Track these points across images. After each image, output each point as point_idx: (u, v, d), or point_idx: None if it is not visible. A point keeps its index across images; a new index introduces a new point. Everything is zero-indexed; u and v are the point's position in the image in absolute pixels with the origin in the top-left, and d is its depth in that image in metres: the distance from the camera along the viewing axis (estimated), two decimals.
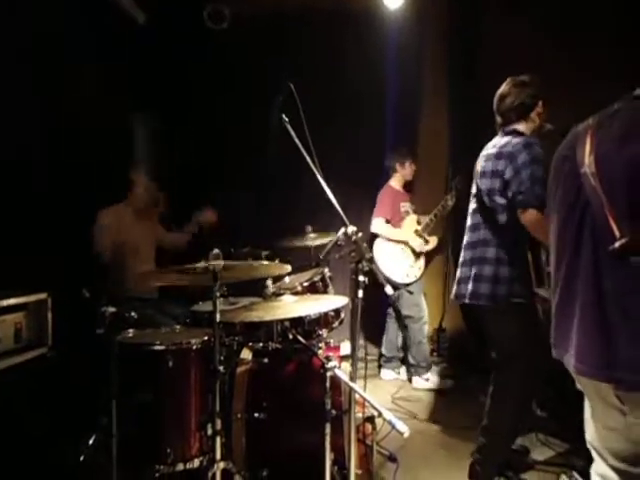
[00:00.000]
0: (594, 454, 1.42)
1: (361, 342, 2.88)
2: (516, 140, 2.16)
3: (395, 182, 3.95)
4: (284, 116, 1.92)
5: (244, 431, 2.07)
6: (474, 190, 2.36)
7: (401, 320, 3.85)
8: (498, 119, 2.31)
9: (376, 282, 1.73)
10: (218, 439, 1.83)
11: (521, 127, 2.24)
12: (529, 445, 2.70)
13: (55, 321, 2.17)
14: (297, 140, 1.89)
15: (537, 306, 2.16)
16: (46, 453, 2.08)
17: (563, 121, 1.61)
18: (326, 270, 2.68)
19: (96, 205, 2.94)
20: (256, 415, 2.06)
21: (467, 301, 2.29)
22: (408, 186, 4.05)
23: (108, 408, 1.78)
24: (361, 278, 1.69)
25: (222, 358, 2.00)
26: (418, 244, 3.80)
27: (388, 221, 3.84)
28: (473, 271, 2.26)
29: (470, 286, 2.26)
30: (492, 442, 2.27)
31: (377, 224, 3.81)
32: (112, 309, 1.78)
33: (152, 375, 1.95)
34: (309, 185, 1.89)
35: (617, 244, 1.19)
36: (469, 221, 2.37)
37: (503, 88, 2.29)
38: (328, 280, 2.67)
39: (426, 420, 3.14)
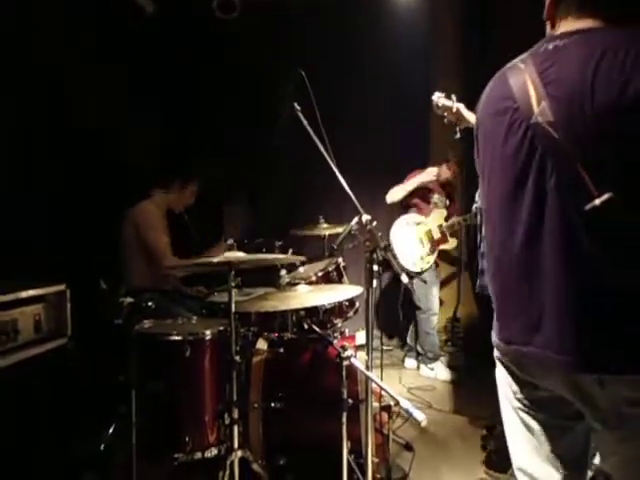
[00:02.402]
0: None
1: (377, 332, 2.87)
2: None
3: (431, 169, 3.84)
4: (296, 104, 1.90)
5: (261, 420, 2.08)
6: None
7: (412, 309, 3.85)
8: None
9: (392, 271, 1.72)
10: (235, 428, 1.84)
11: None
12: None
13: (74, 312, 2.20)
14: (309, 128, 1.87)
15: None
16: (66, 442, 2.12)
17: None
18: (340, 260, 2.67)
19: (114, 196, 2.95)
20: (272, 404, 2.07)
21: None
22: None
23: (127, 397, 1.80)
24: (375, 267, 1.68)
25: (238, 348, 2.01)
26: (432, 173, 3.70)
27: (408, 205, 3.78)
28: None
29: None
30: None
31: (390, 192, 3.75)
32: (130, 300, 1.79)
33: (170, 365, 1.97)
34: (322, 175, 1.87)
35: (597, 201, 0.97)
36: None
37: None
38: (342, 270, 2.66)
39: (442, 409, 3.14)
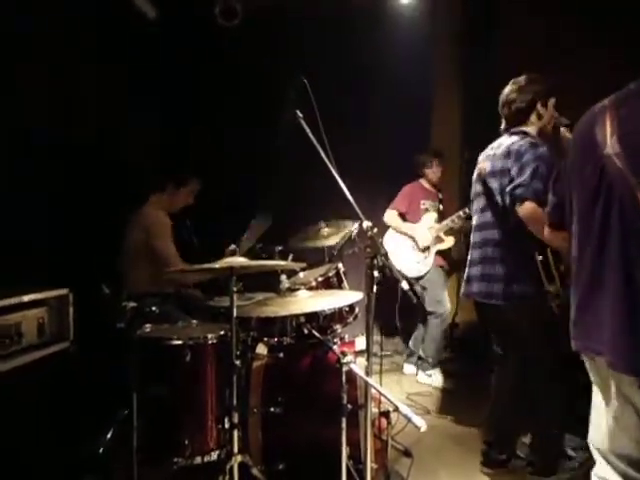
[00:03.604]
0: (597, 457, 1.38)
1: (376, 337, 2.90)
2: (523, 140, 2.17)
3: (424, 180, 3.95)
4: (298, 112, 1.92)
5: (260, 425, 2.09)
6: (478, 189, 2.35)
7: (422, 314, 3.85)
8: (503, 122, 2.32)
9: (392, 277, 1.73)
10: (235, 433, 1.85)
11: (526, 129, 2.24)
12: None
13: (76, 316, 2.21)
14: (311, 135, 1.89)
15: (551, 304, 2.10)
16: (68, 445, 2.12)
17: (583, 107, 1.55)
18: (340, 265, 2.69)
19: (116, 199, 2.96)
20: (272, 409, 2.08)
21: (480, 300, 2.30)
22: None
23: (128, 401, 1.81)
24: (376, 273, 1.69)
25: (238, 353, 2.02)
26: (424, 240, 3.77)
27: (402, 215, 3.86)
28: (484, 270, 2.26)
29: (482, 285, 2.27)
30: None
31: (387, 215, 3.88)
32: (133, 304, 1.81)
33: (170, 369, 1.98)
34: (323, 180, 1.89)
35: None
36: (476, 220, 2.37)
37: (504, 91, 2.29)
38: (342, 275, 2.67)
39: (440, 415, 3.14)
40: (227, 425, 1.88)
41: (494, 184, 2.22)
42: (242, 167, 4.06)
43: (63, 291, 2.18)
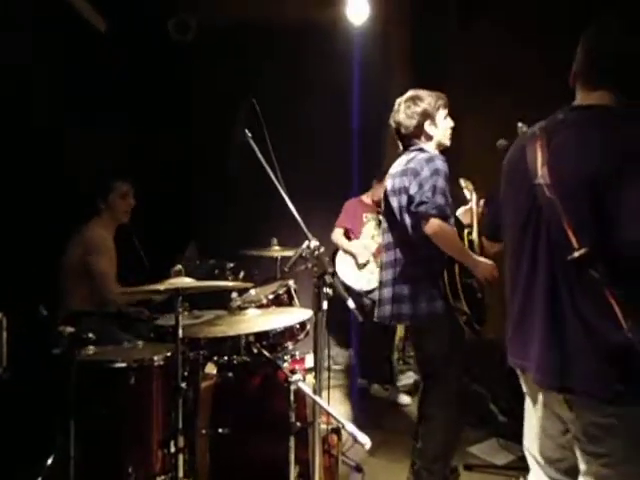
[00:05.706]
0: (531, 462, 1.45)
1: (326, 353, 2.93)
2: (420, 156, 2.17)
3: (366, 195, 4.04)
4: (247, 131, 1.93)
5: (208, 447, 2.05)
6: (383, 208, 2.37)
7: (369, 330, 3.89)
8: (399, 145, 2.35)
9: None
10: (181, 456, 1.81)
11: (423, 145, 2.25)
12: (490, 450, 2.79)
13: (10, 341, 2.10)
14: (260, 155, 1.90)
15: (458, 319, 2.12)
16: (3, 476, 2.00)
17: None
18: (291, 282, 2.70)
19: (53, 220, 2.84)
20: (220, 431, 2.04)
21: (390, 323, 2.28)
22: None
23: (66, 429, 1.73)
24: (326, 290, 1.72)
25: (186, 374, 1.98)
26: (362, 256, 3.83)
27: (347, 230, 3.95)
28: (395, 291, 2.22)
29: (392, 307, 2.23)
30: (430, 465, 2.21)
31: (335, 233, 3.96)
32: (70, 329, 1.73)
33: (113, 393, 1.91)
34: (274, 199, 1.90)
35: (576, 254, 1.17)
36: (384, 239, 2.35)
37: (392, 117, 2.32)
38: (293, 292, 2.68)
39: (391, 430, 3.18)
40: (172, 449, 1.83)
41: (394, 203, 2.23)
42: (191, 185, 4.03)
43: None
